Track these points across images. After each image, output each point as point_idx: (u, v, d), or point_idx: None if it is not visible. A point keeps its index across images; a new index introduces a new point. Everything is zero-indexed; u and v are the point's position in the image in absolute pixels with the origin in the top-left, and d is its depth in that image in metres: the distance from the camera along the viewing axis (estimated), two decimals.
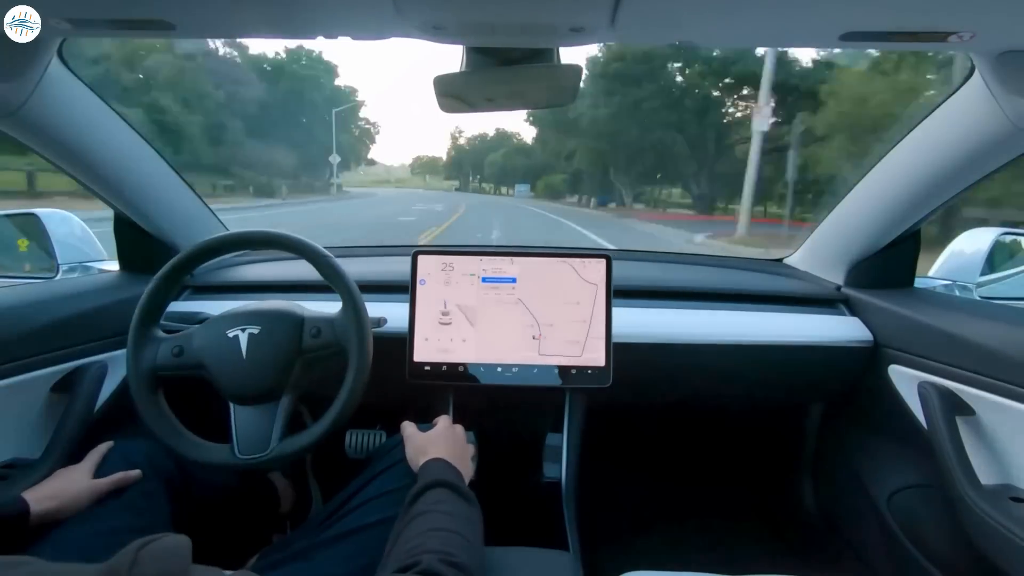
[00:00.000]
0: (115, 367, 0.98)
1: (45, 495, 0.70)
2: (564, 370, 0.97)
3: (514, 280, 0.99)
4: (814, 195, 12.76)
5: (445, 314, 0.98)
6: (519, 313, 0.98)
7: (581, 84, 0.77)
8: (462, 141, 68.41)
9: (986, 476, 0.83)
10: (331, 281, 0.82)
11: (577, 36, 0.64)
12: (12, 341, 0.84)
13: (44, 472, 0.79)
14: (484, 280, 0.99)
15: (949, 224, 3.82)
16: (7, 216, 1.46)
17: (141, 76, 18.84)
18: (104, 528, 0.70)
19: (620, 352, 0.98)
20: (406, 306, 0.98)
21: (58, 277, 1.27)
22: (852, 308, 1.14)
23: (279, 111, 25.54)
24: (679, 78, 19.07)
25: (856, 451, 1.16)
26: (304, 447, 0.79)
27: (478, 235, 10.62)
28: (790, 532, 1.34)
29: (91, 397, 0.93)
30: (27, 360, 0.85)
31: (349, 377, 0.80)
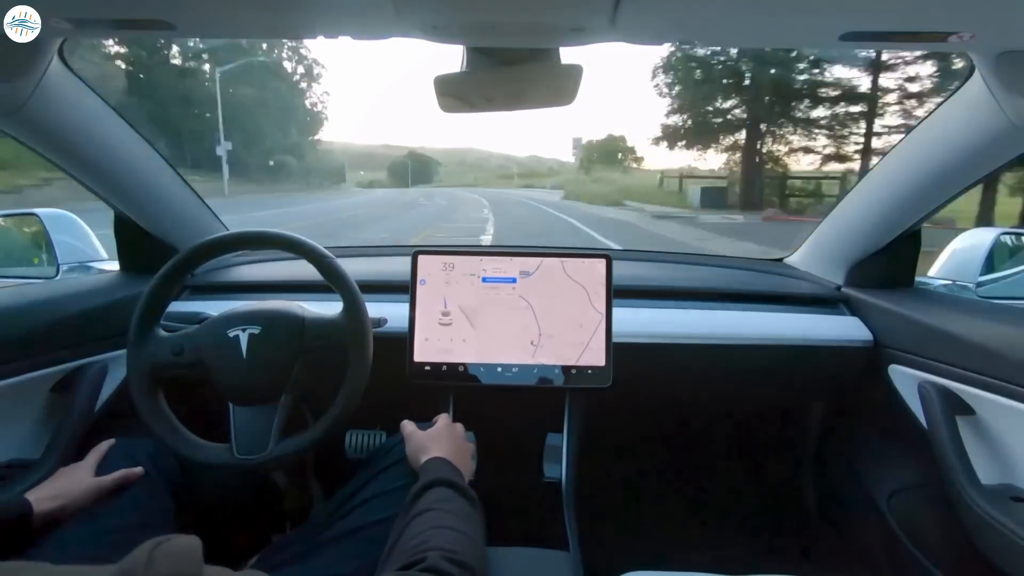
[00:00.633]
0: (115, 367, 0.98)
1: (48, 495, 0.69)
2: (564, 370, 0.97)
3: (514, 280, 0.99)
4: None
5: (445, 314, 0.98)
6: (519, 313, 0.98)
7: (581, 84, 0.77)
8: None
9: (986, 476, 0.83)
10: (331, 281, 0.82)
11: (577, 36, 0.64)
12: (12, 341, 0.84)
13: (44, 472, 0.79)
14: (484, 280, 0.99)
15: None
16: (7, 216, 1.47)
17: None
18: (107, 526, 0.70)
19: (620, 352, 0.98)
20: (406, 306, 0.98)
21: (58, 277, 1.28)
22: (852, 308, 1.14)
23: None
24: None
25: (856, 451, 1.16)
26: (303, 448, 0.79)
27: None
28: (790, 532, 1.34)
29: (91, 397, 0.93)
30: (27, 360, 0.85)
31: (349, 377, 0.80)
